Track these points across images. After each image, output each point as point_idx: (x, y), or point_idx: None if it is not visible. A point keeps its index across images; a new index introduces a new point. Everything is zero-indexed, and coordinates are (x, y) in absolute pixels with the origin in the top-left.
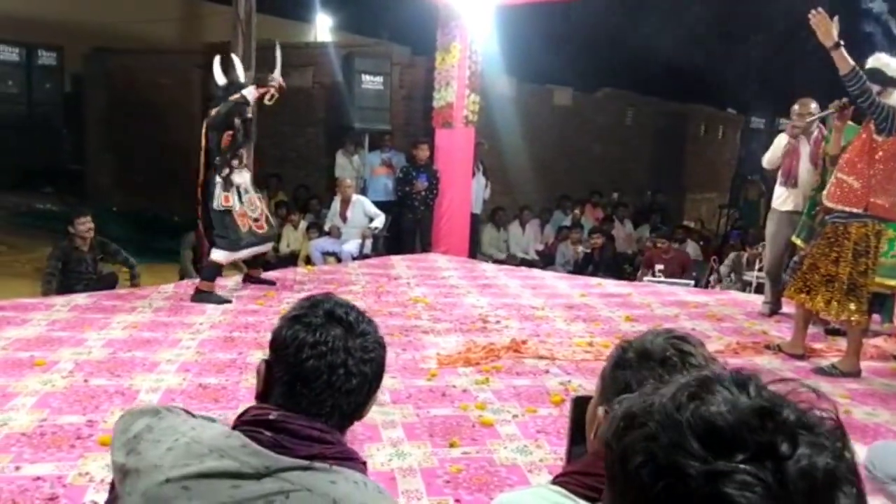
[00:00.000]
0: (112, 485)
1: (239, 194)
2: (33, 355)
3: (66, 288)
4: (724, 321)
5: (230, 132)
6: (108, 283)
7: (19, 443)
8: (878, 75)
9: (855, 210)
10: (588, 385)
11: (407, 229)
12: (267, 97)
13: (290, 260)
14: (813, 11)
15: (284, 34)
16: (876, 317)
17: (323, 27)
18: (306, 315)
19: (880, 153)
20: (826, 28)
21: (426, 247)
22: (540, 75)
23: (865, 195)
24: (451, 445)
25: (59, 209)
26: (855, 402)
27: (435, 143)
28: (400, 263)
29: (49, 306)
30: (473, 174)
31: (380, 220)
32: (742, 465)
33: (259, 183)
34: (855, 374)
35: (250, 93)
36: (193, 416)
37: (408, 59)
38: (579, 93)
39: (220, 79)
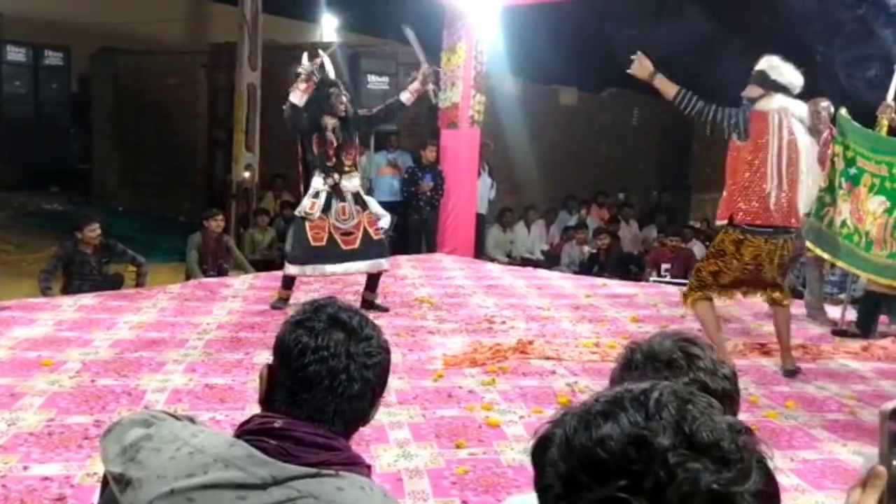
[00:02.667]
0: (102, 488)
1: (329, 203)
2: (41, 355)
3: (70, 289)
4: (730, 322)
5: (317, 134)
6: (114, 283)
7: (27, 443)
8: (762, 78)
9: (721, 222)
10: (594, 386)
11: (413, 230)
12: (431, 94)
13: None
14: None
15: (290, 34)
16: (883, 318)
17: (328, 27)
18: (309, 319)
19: (745, 157)
20: (641, 66)
21: (432, 247)
22: (545, 75)
23: (729, 205)
24: (458, 446)
25: (66, 209)
26: (862, 404)
27: (440, 144)
28: (406, 264)
29: (56, 306)
30: (479, 174)
31: (385, 221)
32: (620, 494)
33: (264, 184)
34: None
35: (295, 95)
36: (178, 419)
37: (414, 60)
38: (585, 93)
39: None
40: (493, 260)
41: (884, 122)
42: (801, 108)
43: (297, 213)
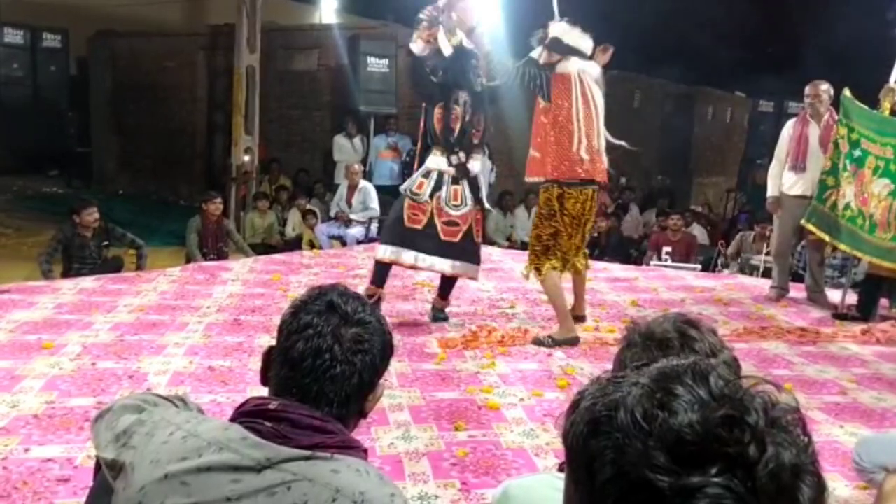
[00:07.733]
0: (95, 472)
1: (439, 185)
2: (41, 338)
3: (69, 273)
4: (731, 306)
5: (441, 104)
6: (113, 267)
7: (28, 425)
8: (557, 44)
9: (539, 178)
10: (594, 369)
11: None
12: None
13: (297, 244)
14: None
15: (289, 16)
16: (884, 302)
17: (328, 9)
18: (308, 303)
19: (549, 120)
20: None
21: None
22: None
23: (546, 163)
24: (457, 429)
25: (64, 192)
26: (862, 387)
27: None
28: None
29: (56, 289)
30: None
31: (369, 213)
32: (713, 479)
33: (262, 168)
34: (572, 341)
35: (416, 45)
36: (175, 404)
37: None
38: None
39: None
40: (493, 244)
41: (886, 105)
42: (595, 69)
43: (402, 189)
